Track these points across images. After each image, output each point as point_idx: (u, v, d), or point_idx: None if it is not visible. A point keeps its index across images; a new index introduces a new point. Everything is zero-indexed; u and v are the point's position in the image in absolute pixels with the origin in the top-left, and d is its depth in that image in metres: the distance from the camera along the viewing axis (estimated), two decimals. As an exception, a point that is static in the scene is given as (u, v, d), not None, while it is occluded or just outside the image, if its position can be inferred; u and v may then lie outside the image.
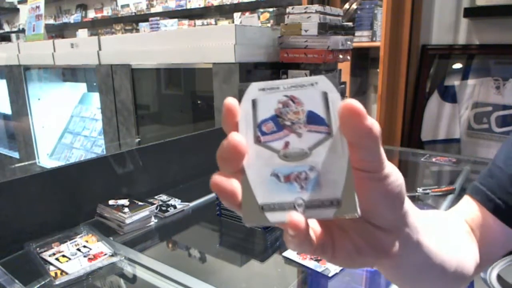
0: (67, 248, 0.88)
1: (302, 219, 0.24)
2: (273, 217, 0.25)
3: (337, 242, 0.29)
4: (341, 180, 0.25)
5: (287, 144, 0.26)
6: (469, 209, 0.49)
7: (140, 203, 1.06)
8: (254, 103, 0.26)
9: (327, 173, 0.25)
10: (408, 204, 0.31)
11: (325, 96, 0.26)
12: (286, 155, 0.26)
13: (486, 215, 0.47)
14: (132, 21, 4.78)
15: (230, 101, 0.26)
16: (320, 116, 0.26)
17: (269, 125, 0.26)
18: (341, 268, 0.81)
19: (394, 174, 0.28)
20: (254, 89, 0.27)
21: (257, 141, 0.26)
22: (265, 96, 0.26)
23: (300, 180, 0.25)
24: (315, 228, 0.28)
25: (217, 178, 0.25)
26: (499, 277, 1.06)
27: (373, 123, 0.25)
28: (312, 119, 0.26)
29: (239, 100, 0.26)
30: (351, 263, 0.30)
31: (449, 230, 0.45)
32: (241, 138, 0.25)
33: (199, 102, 2.07)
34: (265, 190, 0.25)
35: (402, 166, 1.67)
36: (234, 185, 0.25)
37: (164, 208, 1.11)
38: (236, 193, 0.25)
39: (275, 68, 1.75)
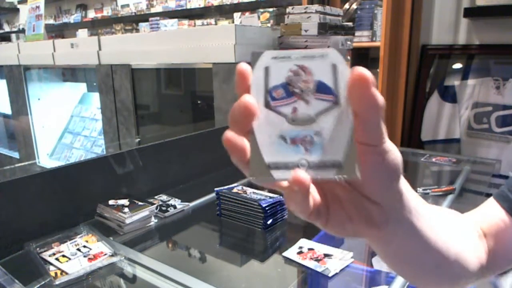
0: (67, 248, 0.88)
1: (306, 176, 0.26)
2: (278, 175, 0.27)
3: (331, 209, 0.31)
4: (344, 145, 0.27)
5: (295, 110, 0.27)
6: (492, 212, 0.49)
7: (140, 203, 1.06)
8: (266, 70, 0.28)
9: (331, 138, 0.27)
10: (405, 187, 0.32)
11: (334, 68, 0.27)
12: (293, 119, 0.27)
13: (511, 223, 0.47)
14: (132, 21, 4.77)
15: (243, 66, 0.27)
16: (329, 86, 0.27)
17: (279, 91, 0.27)
18: (341, 268, 0.81)
19: (393, 151, 0.29)
20: (267, 56, 0.28)
21: (267, 105, 0.27)
22: (277, 64, 0.28)
23: (306, 143, 0.27)
24: (314, 194, 0.29)
25: (229, 134, 0.27)
26: None
27: (378, 94, 0.26)
28: (321, 88, 0.27)
29: (252, 66, 0.28)
30: (343, 231, 0.31)
31: (453, 224, 0.45)
32: (252, 99, 0.26)
33: (199, 102, 2.07)
34: (272, 150, 0.27)
35: (402, 166, 1.66)
36: (245, 142, 0.27)
37: (164, 208, 1.11)
38: (245, 150, 0.27)
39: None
